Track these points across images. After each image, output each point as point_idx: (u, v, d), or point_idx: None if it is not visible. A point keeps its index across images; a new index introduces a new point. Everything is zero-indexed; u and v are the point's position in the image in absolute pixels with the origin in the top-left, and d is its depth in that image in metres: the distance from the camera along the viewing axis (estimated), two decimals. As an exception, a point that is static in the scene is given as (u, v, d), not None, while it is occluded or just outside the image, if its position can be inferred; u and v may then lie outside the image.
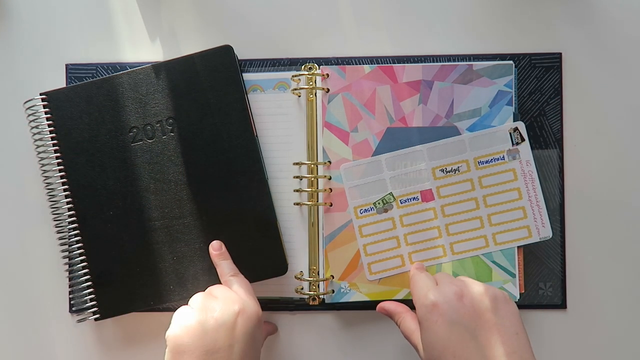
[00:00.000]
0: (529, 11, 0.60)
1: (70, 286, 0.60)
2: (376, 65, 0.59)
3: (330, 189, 0.58)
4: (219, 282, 0.56)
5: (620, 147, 0.60)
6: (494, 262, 0.57)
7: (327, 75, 0.59)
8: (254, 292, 0.53)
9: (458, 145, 0.58)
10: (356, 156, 0.58)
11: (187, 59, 0.58)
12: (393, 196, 0.58)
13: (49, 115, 0.58)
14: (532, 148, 0.58)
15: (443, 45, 0.60)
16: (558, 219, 0.59)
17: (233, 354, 0.48)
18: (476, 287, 0.50)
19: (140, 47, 0.61)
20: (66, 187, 0.58)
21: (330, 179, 0.58)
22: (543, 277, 0.59)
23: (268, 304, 0.59)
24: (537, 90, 0.60)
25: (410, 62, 0.59)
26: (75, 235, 0.58)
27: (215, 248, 0.56)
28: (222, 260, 0.56)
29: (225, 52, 0.58)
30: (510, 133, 0.58)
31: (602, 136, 0.60)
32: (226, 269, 0.55)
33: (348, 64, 0.60)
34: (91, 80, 0.59)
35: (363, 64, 0.60)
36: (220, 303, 0.50)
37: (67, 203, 0.58)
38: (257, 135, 0.58)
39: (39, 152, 0.59)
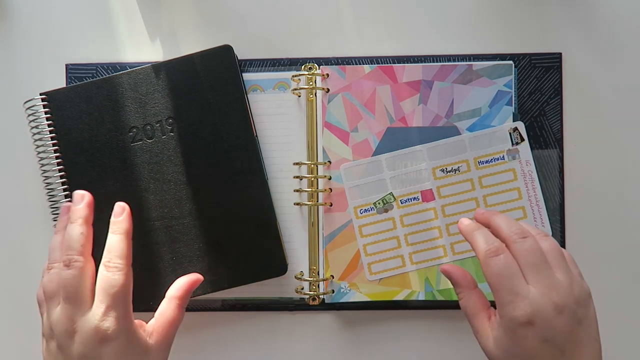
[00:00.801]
0: (529, 11, 0.60)
1: (70, 286, 0.59)
2: (376, 65, 0.59)
3: (330, 189, 0.58)
4: (220, 283, 0.56)
5: (620, 146, 0.60)
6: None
7: (327, 75, 0.59)
8: (125, 294, 0.46)
9: (458, 145, 0.58)
10: (356, 156, 0.58)
11: (187, 59, 0.58)
12: (393, 196, 0.58)
13: (49, 115, 0.58)
14: (532, 148, 0.58)
15: (443, 45, 0.60)
16: (558, 219, 0.59)
17: None
18: (573, 295, 0.44)
19: (140, 47, 0.61)
20: (66, 187, 0.58)
21: (330, 179, 0.58)
22: (543, 277, 0.59)
23: (268, 304, 0.59)
24: (537, 90, 0.60)
25: (410, 62, 0.59)
26: (75, 235, 0.58)
27: (118, 211, 0.50)
28: (113, 233, 0.49)
29: (225, 52, 0.58)
30: (510, 133, 0.58)
31: (602, 136, 0.60)
32: (107, 250, 0.48)
33: (348, 64, 0.60)
34: (91, 80, 0.59)
35: (363, 64, 0.60)
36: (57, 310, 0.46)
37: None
38: (257, 135, 0.58)
39: (39, 152, 0.59)
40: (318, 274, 0.59)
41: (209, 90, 0.58)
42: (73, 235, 0.48)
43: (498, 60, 0.59)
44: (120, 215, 0.50)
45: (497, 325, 0.44)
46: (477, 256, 0.46)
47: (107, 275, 0.46)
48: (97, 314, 0.45)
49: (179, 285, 0.52)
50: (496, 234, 0.47)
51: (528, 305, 0.42)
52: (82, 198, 0.50)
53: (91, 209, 0.50)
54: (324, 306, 0.59)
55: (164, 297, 0.55)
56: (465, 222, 0.49)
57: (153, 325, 0.49)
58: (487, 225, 0.48)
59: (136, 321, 0.48)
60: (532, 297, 0.43)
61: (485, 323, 0.46)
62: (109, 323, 0.45)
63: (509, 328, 0.43)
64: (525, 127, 0.58)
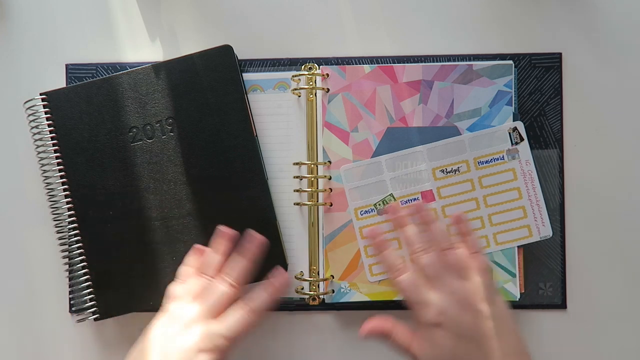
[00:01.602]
0: (529, 11, 0.60)
1: (70, 286, 0.59)
2: (376, 65, 0.59)
3: (330, 189, 0.58)
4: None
5: (620, 147, 0.60)
6: (494, 261, 0.57)
7: (327, 75, 0.59)
8: (245, 323, 0.51)
9: (458, 145, 0.58)
10: (356, 156, 0.58)
11: (187, 59, 0.58)
12: (393, 197, 0.58)
13: (49, 115, 0.58)
14: (532, 148, 0.58)
15: (443, 45, 0.60)
16: (558, 219, 0.59)
17: None
18: (473, 286, 0.49)
19: (140, 47, 0.61)
20: (66, 187, 0.58)
21: (330, 179, 0.58)
22: (543, 277, 0.59)
23: (268, 304, 0.59)
24: (537, 90, 0.60)
25: (410, 62, 0.59)
26: (75, 236, 0.58)
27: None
28: (265, 290, 0.53)
29: (225, 52, 0.58)
30: (509, 133, 0.58)
31: (602, 136, 0.60)
32: (257, 300, 0.53)
33: (348, 64, 0.60)
34: (91, 80, 0.59)
35: (363, 64, 0.60)
36: (197, 332, 0.50)
37: (67, 203, 0.58)
38: (257, 135, 0.58)
39: (39, 152, 0.59)
40: (318, 274, 0.58)
41: (209, 90, 0.58)
42: (235, 268, 0.54)
43: (498, 60, 0.59)
44: (282, 278, 0.55)
45: (418, 340, 0.49)
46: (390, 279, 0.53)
47: (243, 313, 0.51)
48: (219, 329, 0.50)
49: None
50: (406, 244, 0.55)
51: (434, 309, 0.48)
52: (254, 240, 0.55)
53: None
54: (324, 306, 0.59)
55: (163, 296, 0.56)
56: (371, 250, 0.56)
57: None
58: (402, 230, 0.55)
59: None
60: (436, 301, 0.48)
61: (417, 346, 0.50)
62: (220, 341, 0.49)
63: (427, 335, 0.48)
64: (525, 127, 0.58)
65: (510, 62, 0.58)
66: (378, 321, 0.53)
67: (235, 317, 0.51)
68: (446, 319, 0.47)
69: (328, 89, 0.58)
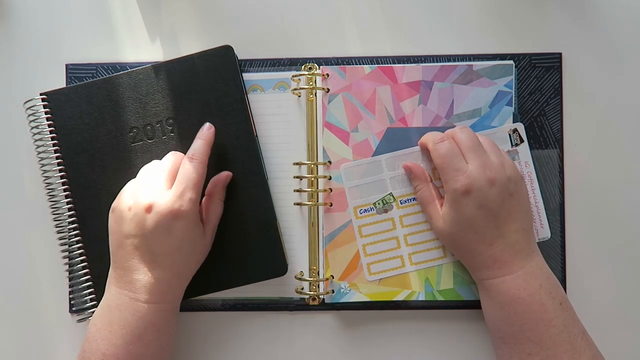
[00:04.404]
0: (529, 11, 0.60)
1: (70, 286, 0.60)
2: (376, 65, 0.59)
3: (330, 189, 0.58)
4: (220, 283, 0.56)
5: (620, 147, 0.60)
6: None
7: (327, 75, 0.59)
8: (199, 182, 0.53)
9: (458, 145, 0.58)
10: (356, 156, 0.58)
11: (187, 59, 0.58)
12: (393, 196, 0.58)
13: (49, 115, 0.58)
14: (532, 148, 0.58)
15: (443, 45, 0.60)
16: (558, 219, 0.59)
17: (143, 242, 0.52)
18: (504, 172, 0.53)
19: (140, 47, 0.61)
20: (66, 187, 0.58)
21: (330, 179, 0.58)
22: (543, 277, 0.59)
23: (268, 304, 0.59)
24: (537, 90, 0.60)
25: (410, 62, 0.59)
26: (75, 235, 0.58)
27: (206, 127, 0.56)
28: (198, 139, 0.56)
29: (225, 52, 0.58)
30: (509, 134, 0.58)
31: (602, 136, 0.60)
32: (191, 149, 0.55)
33: (348, 64, 0.60)
34: (91, 80, 0.59)
35: (363, 64, 0.60)
36: (141, 192, 0.53)
37: (67, 203, 0.58)
38: (257, 135, 0.58)
39: (39, 152, 0.59)
40: (318, 274, 0.59)
41: (209, 91, 0.58)
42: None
43: (498, 60, 0.59)
44: (208, 130, 0.56)
45: (444, 202, 0.54)
46: (428, 147, 0.55)
47: (189, 165, 0.54)
48: (175, 194, 0.52)
49: (216, 183, 0.57)
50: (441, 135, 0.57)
51: (466, 178, 0.52)
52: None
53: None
54: (324, 306, 0.59)
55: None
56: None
57: (203, 219, 0.56)
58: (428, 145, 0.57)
59: None
60: (470, 172, 0.52)
61: (437, 208, 0.55)
62: (184, 203, 0.52)
63: (452, 199, 0.52)
64: (525, 127, 0.58)
65: (511, 62, 0.58)
66: (417, 168, 0.57)
67: (187, 170, 0.53)
68: (474, 189, 0.51)
69: (328, 89, 0.58)
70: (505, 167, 0.53)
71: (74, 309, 0.60)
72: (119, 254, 0.53)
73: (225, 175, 0.57)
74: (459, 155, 0.53)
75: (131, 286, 0.52)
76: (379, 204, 0.58)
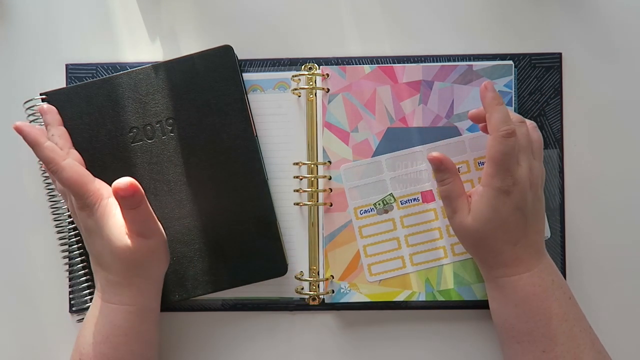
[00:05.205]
0: (529, 11, 0.60)
1: (70, 286, 0.60)
2: (376, 65, 0.59)
3: (330, 189, 0.58)
4: (220, 283, 0.56)
5: (620, 147, 0.60)
6: (494, 262, 0.57)
7: (327, 75, 0.59)
8: (77, 181, 0.52)
9: (458, 145, 0.58)
10: (356, 156, 0.58)
11: (187, 59, 0.58)
12: (393, 197, 0.58)
13: (48, 116, 0.58)
14: (532, 148, 0.58)
15: (443, 45, 0.60)
16: (558, 219, 0.59)
17: (87, 240, 0.54)
18: (542, 177, 0.54)
19: (140, 47, 0.61)
20: (66, 187, 0.58)
21: (330, 179, 0.58)
22: (543, 277, 0.59)
23: (268, 304, 0.59)
24: (537, 90, 0.60)
25: (410, 62, 0.59)
26: (76, 236, 0.58)
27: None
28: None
29: (225, 52, 0.58)
30: (510, 133, 0.58)
31: (602, 136, 0.60)
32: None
33: (348, 64, 0.60)
34: (91, 80, 0.59)
35: (363, 64, 0.60)
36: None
37: (67, 203, 0.58)
38: (257, 135, 0.58)
39: (39, 152, 0.59)
40: (318, 274, 0.59)
41: (209, 90, 0.58)
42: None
43: (498, 60, 0.59)
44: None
45: (478, 198, 0.52)
46: (488, 127, 0.51)
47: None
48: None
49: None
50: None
51: (512, 179, 0.50)
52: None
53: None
54: (324, 306, 0.59)
55: (163, 297, 0.56)
56: (490, 94, 0.52)
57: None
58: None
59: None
60: (519, 175, 0.51)
61: (465, 203, 0.53)
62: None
63: (491, 196, 0.51)
64: (526, 127, 0.58)
65: (510, 62, 0.58)
66: (447, 161, 0.53)
67: (64, 172, 0.52)
68: (517, 192, 0.51)
69: (328, 89, 0.58)
70: (543, 171, 0.54)
71: (74, 309, 0.60)
72: None
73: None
74: (516, 155, 0.51)
75: (96, 283, 0.54)
76: (379, 204, 0.58)
